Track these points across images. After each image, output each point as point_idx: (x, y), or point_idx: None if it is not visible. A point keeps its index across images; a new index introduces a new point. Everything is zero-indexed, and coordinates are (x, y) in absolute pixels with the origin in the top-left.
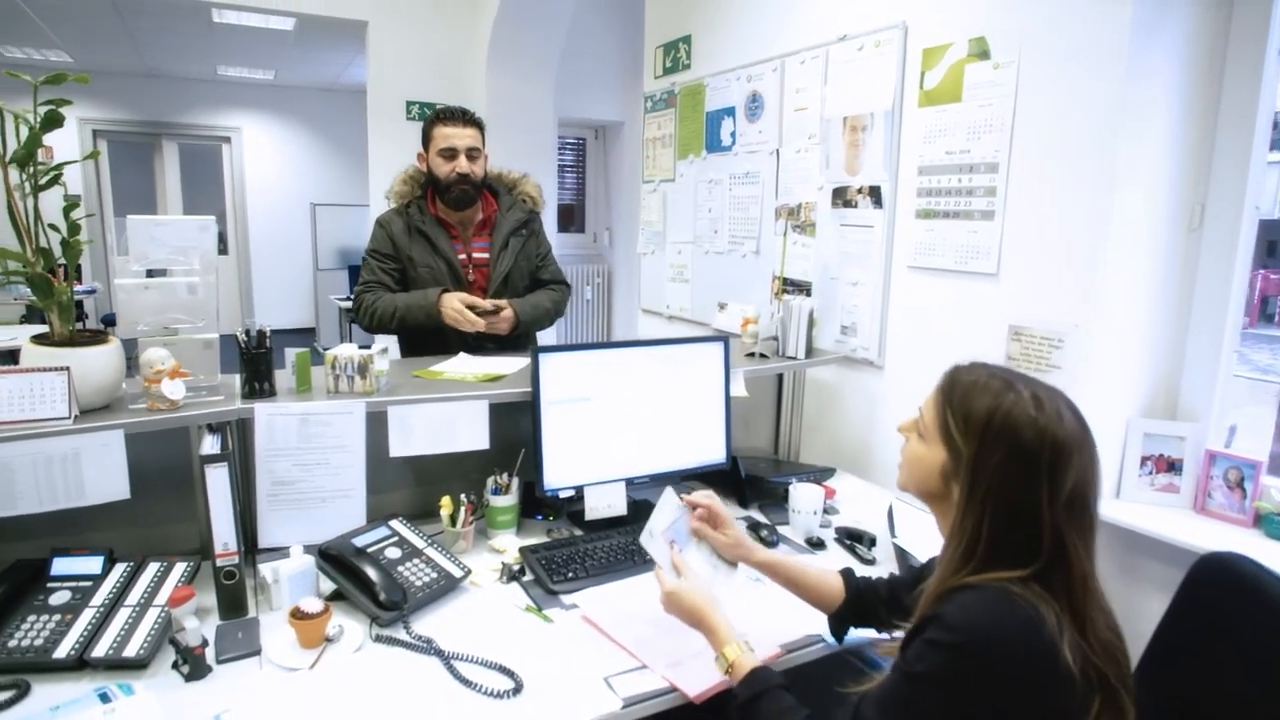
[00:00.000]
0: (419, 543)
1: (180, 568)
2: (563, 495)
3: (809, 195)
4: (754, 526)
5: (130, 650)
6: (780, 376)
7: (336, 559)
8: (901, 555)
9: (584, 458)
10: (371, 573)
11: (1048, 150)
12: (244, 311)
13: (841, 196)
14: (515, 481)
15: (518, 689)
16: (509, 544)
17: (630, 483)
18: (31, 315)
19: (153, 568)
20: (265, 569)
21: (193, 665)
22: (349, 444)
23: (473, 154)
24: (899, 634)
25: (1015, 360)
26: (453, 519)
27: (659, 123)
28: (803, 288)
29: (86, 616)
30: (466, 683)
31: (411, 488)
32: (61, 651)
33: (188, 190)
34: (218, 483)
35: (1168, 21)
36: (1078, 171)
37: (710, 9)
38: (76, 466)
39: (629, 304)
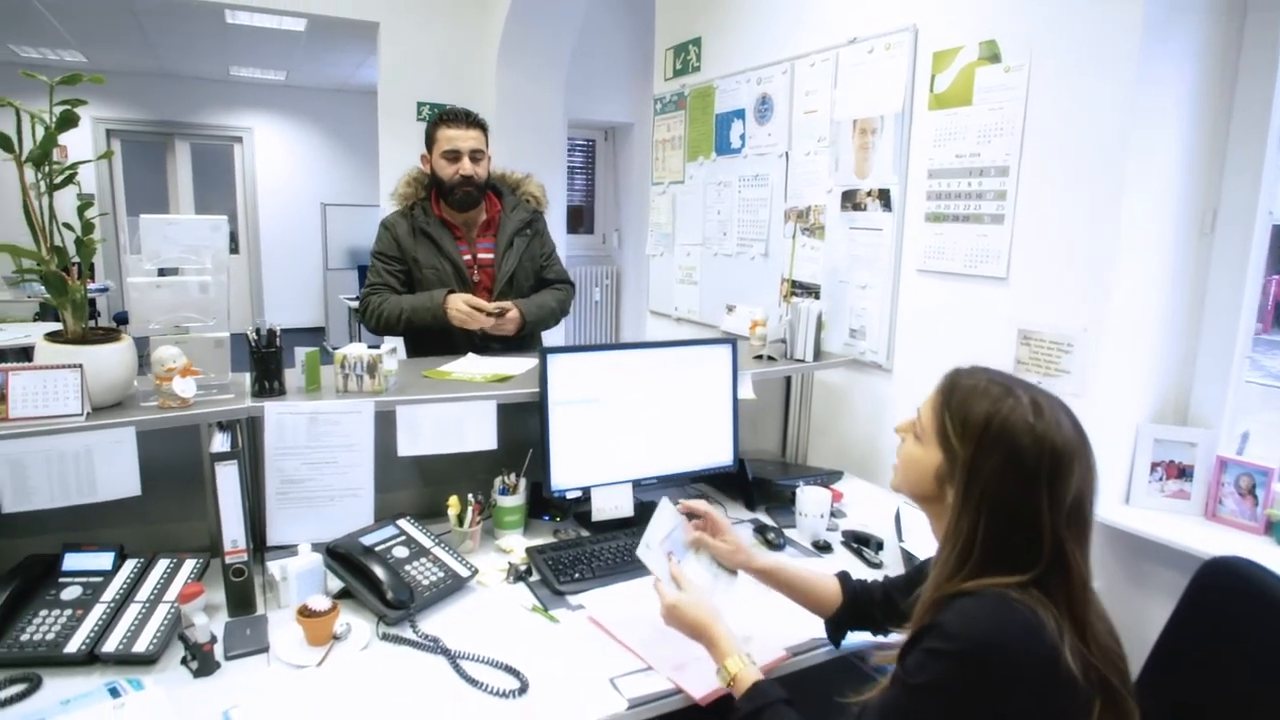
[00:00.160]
0: (426, 542)
1: (190, 564)
2: (570, 496)
3: (818, 198)
4: (761, 529)
5: (140, 646)
6: (788, 379)
7: (344, 557)
8: (909, 559)
9: (591, 459)
10: (379, 571)
11: (1058, 154)
12: (254, 310)
13: (851, 199)
14: (522, 482)
15: (523, 689)
16: (516, 544)
17: (637, 484)
18: (45, 313)
19: (162, 564)
20: (274, 567)
21: (201, 661)
22: (357, 443)
23: (476, 156)
24: (895, 636)
25: (1024, 364)
26: (460, 519)
27: (668, 124)
28: (811, 290)
29: (97, 612)
30: (472, 682)
31: (419, 487)
32: (72, 646)
33: (199, 189)
34: (227, 480)
35: (1179, 25)
36: (1088, 175)
37: (720, 11)
38: (89, 463)
39: (637, 305)
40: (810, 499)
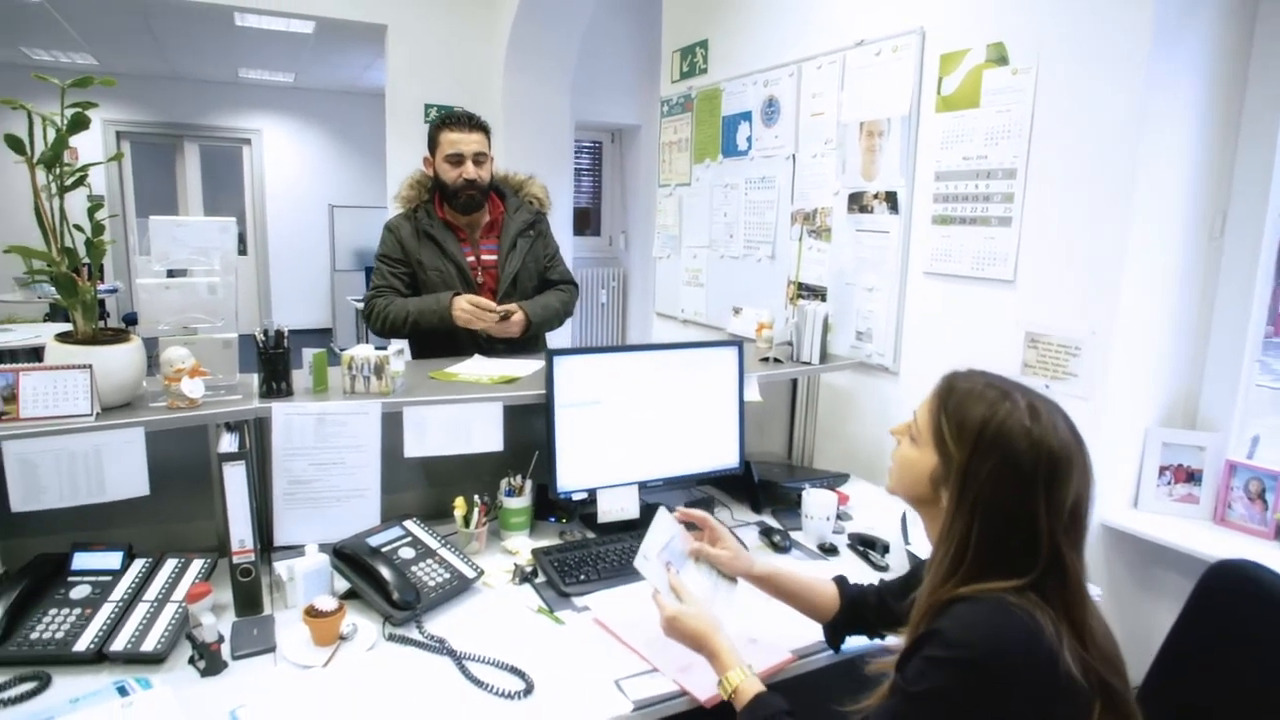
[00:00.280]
0: (432, 543)
1: (197, 564)
2: (576, 498)
3: (825, 200)
4: (766, 531)
5: (148, 645)
6: (794, 381)
7: (351, 558)
8: (914, 562)
9: (597, 460)
10: (385, 572)
11: (1066, 156)
12: (262, 311)
13: (857, 202)
14: (529, 483)
15: (529, 690)
16: (522, 545)
17: (643, 486)
18: (55, 313)
19: (170, 564)
20: (281, 567)
21: (209, 661)
22: (364, 444)
23: (479, 159)
24: (893, 639)
25: (1032, 367)
26: (466, 520)
27: (675, 127)
28: (818, 293)
29: (106, 611)
30: (478, 683)
31: (426, 488)
32: (81, 645)
33: (208, 191)
34: (235, 481)
35: (1189, 28)
36: (1096, 178)
37: (728, 14)
38: (98, 463)
39: (644, 308)
40: (816, 502)
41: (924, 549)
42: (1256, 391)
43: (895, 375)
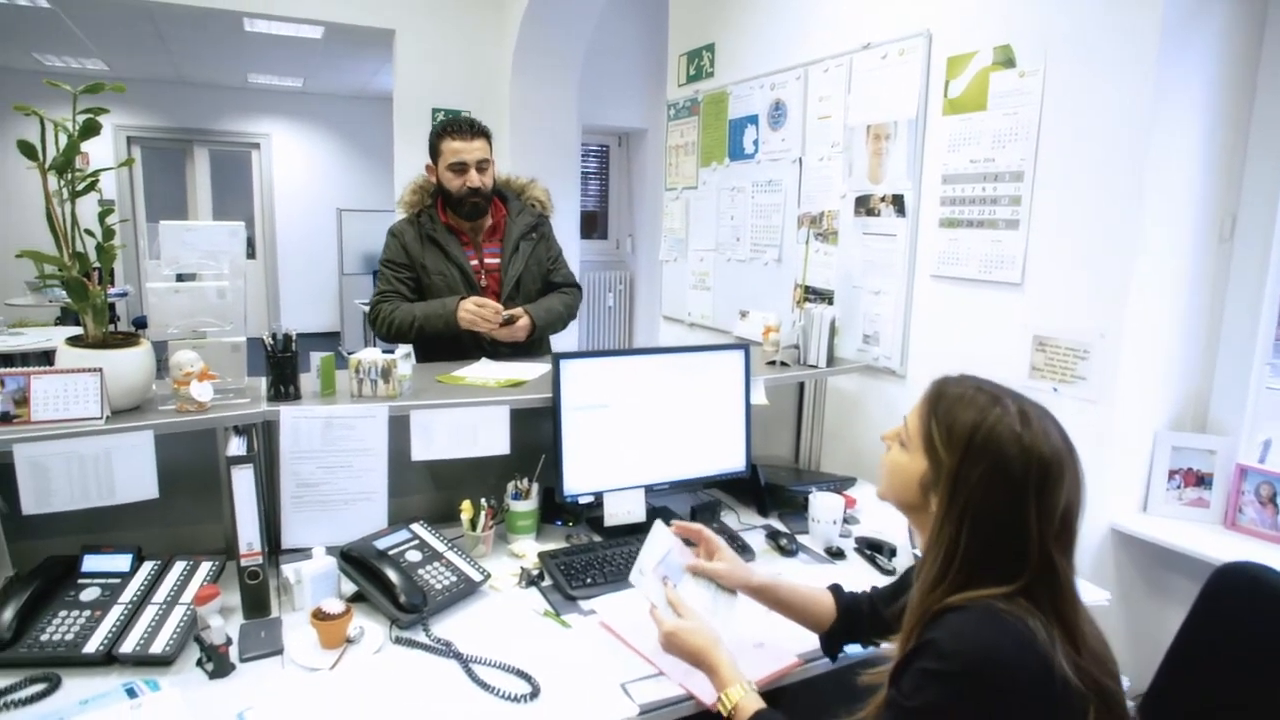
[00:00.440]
0: (439, 546)
1: (206, 567)
2: (582, 501)
3: (832, 203)
4: (773, 535)
5: (157, 647)
6: (801, 385)
7: (358, 561)
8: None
9: (604, 464)
10: (392, 575)
11: (1074, 159)
12: (271, 315)
13: (864, 205)
14: (535, 487)
15: (535, 693)
16: (528, 549)
17: (650, 489)
18: (66, 317)
19: (179, 566)
20: (288, 569)
21: (217, 663)
22: (372, 447)
23: (482, 166)
24: (887, 645)
25: (1040, 370)
26: (473, 523)
27: (682, 130)
28: (825, 296)
29: (115, 613)
30: (484, 686)
31: (432, 492)
32: (91, 647)
33: (218, 195)
34: (243, 484)
35: (1199, 29)
36: (1105, 180)
37: (734, 17)
38: (108, 466)
39: (651, 311)
40: (823, 505)
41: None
42: (1267, 395)
43: (902, 378)
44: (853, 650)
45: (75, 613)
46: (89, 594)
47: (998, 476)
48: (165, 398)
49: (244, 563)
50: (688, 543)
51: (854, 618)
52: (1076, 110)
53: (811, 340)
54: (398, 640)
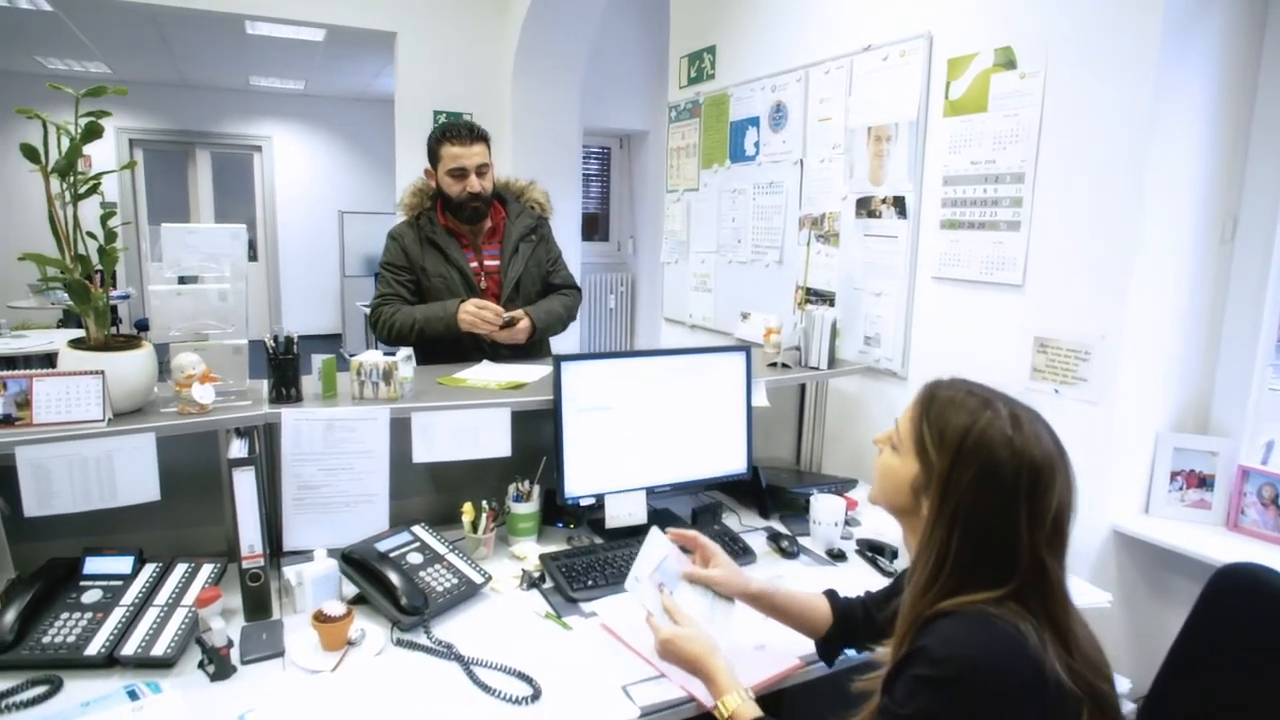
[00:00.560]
0: (440, 548)
1: (207, 569)
2: (583, 503)
3: (833, 205)
4: (774, 537)
5: (158, 649)
6: (802, 387)
7: (359, 563)
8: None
9: (605, 466)
10: (393, 577)
11: (1075, 160)
12: (272, 317)
13: (865, 206)
14: (536, 489)
15: (536, 695)
16: (529, 551)
17: (651, 491)
18: (68, 319)
19: (181, 568)
20: (289, 572)
21: (218, 665)
22: (373, 449)
23: (482, 170)
24: (879, 650)
25: (1041, 372)
26: (474, 525)
27: (683, 132)
28: (826, 298)
29: (117, 615)
30: (485, 688)
31: (434, 494)
32: (92, 649)
33: (219, 197)
34: (244, 486)
35: (1199, 31)
36: (1106, 181)
37: (735, 20)
38: (110, 468)
39: (652, 313)
40: (824, 507)
41: None
42: (1269, 396)
43: (904, 380)
44: (850, 654)
45: (77, 615)
46: (91, 596)
47: (989, 480)
48: (167, 400)
49: (245, 565)
50: (684, 550)
51: (849, 623)
52: (1077, 112)
53: (813, 342)
54: (399, 642)
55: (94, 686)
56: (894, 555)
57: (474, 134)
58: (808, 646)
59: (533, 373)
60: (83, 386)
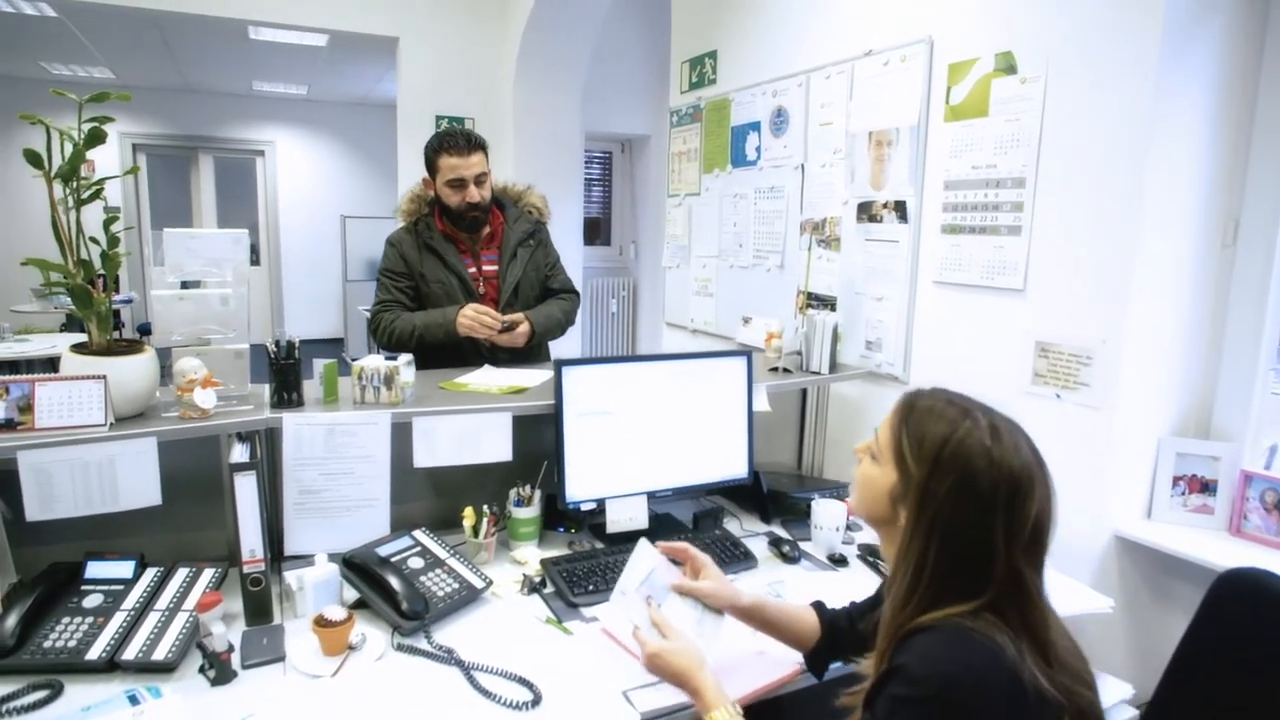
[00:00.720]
0: (441, 553)
1: (208, 573)
2: (584, 508)
3: (834, 210)
4: (776, 542)
5: (159, 654)
6: (804, 391)
7: (360, 568)
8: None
9: (606, 471)
10: (394, 582)
11: (1076, 165)
12: (275, 321)
13: (866, 211)
14: (537, 494)
15: (536, 701)
16: (530, 556)
17: (652, 496)
18: (71, 323)
19: (182, 573)
20: (290, 576)
21: (219, 670)
22: (374, 454)
23: (480, 180)
24: (863, 663)
25: (1043, 376)
26: (475, 530)
27: (684, 137)
28: (827, 302)
29: (118, 620)
30: (486, 693)
31: (435, 498)
32: (93, 653)
33: (222, 202)
34: (246, 491)
35: (1200, 35)
36: (1106, 186)
37: (736, 25)
38: (111, 473)
39: (654, 317)
40: (825, 512)
41: None
42: (1271, 400)
43: (905, 385)
44: (841, 666)
45: (78, 619)
46: (92, 601)
47: (966, 490)
48: (169, 404)
49: (246, 569)
50: (675, 561)
51: (836, 635)
52: (1078, 116)
53: (814, 346)
54: (399, 647)
55: (95, 691)
56: None
57: (471, 143)
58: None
59: (534, 377)
60: (85, 391)
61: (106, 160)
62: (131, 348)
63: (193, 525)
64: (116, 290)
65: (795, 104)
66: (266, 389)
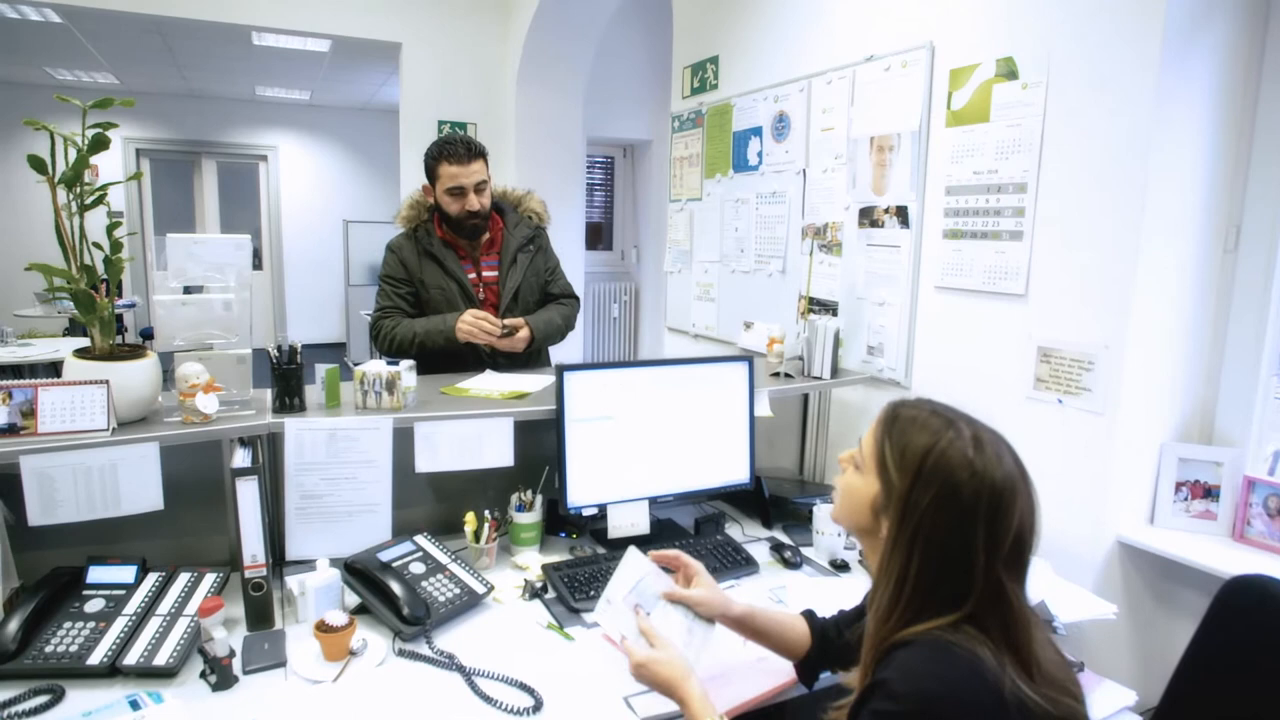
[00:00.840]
0: (443, 558)
1: (210, 578)
2: (586, 513)
3: (835, 215)
4: (777, 547)
5: (160, 659)
6: (805, 396)
7: (361, 573)
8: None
9: (607, 476)
10: (395, 587)
11: (1077, 170)
12: (277, 325)
13: (868, 216)
14: (539, 499)
15: (538, 706)
16: (532, 561)
17: (654, 501)
18: (74, 327)
19: (183, 578)
20: (292, 581)
21: (220, 675)
22: (376, 459)
23: (480, 188)
24: (848, 676)
25: (1044, 382)
26: (476, 535)
27: (686, 142)
28: (829, 307)
29: (119, 625)
30: (487, 699)
31: (436, 503)
32: (95, 658)
33: (225, 207)
34: (248, 495)
35: (1201, 39)
36: (1108, 191)
37: (737, 30)
38: (114, 477)
39: (655, 322)
40: (827, 517)
41: None
42: (1275, 405)
43: (907, 390)
44: (830, 677)
45: (80, 624)
46: (94, 605)
47: (948, 501)
48: (171, 409)
49: (248, 574)
50: (667, 569)
51: (826, 644)
52: (1079, 121)
53: (815, 352)
54: (401, 653)
55: (96, 696)
56: None
57: (471, 151)
58: None
59: (535, 382)
60: (87, 396)
61: (110, 165)
62: (134, 353)
63: (195, 530)
64: (119, 295)
65: (797, 109)
66: (268, 394)
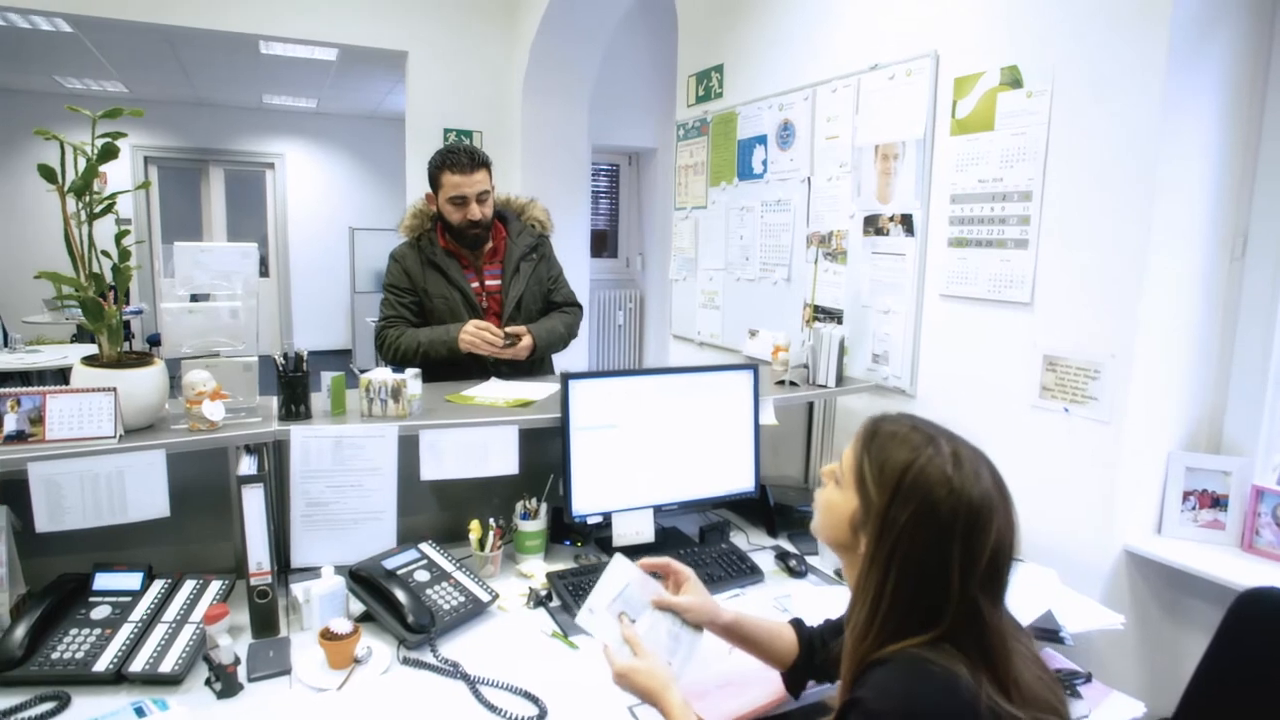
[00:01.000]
0: (448, 566)
1: (215, 586)
2: (591, 521)
3: (840, 223)
4: (782, 556)
5: (166, 666)
6: (811, 405)
7: (366, 580)
8: None
9: (613, 484)
10: (400, 595)
11: (1083, 178)
12: (283, 332)
13: (873, 224)
14: (544, 507)
15: (542, 715)
16: (537, 569)
17: (659, 509)
18: (82, 334)
19: (189, 585)
20: (297, 589)
21: (225, 683)
22: (381, 467)
23: (482, 197)
24: (831, 691)
25: (1050, 390)
26: (481, 543)
27: (691, 150)
28: (834, 315)
29: (125, 631)
30: (491, 708)
31: (441, 511)
32: (101, 665)
33: (232, 214)
34: (253, 503)
35: (1207, 48)
36: (1113, 199)
37: (742, 39)
38: (120, 484)
39: (660, 330)
40: None
41: None
42: None
43: (912, 398)
44: (818, 690)
45: (86, 631)
46: (100, 612)
47: (926, 519)
48: (178, 417)
49: (253, 582)
50: (657, 576)
51: (813, 653)
52: (1084, 129)
53: (820, 360)
54: (405, 661)
55: (101, 703)
56: None
57: (474, 161)
58: None
59: (540, 390)
60: (95, 403)
61: (118, 173)
62: (141, 360)
63: (200, 537)
64: (127, 302)
65: (801, 117)
66: (275, 401)
